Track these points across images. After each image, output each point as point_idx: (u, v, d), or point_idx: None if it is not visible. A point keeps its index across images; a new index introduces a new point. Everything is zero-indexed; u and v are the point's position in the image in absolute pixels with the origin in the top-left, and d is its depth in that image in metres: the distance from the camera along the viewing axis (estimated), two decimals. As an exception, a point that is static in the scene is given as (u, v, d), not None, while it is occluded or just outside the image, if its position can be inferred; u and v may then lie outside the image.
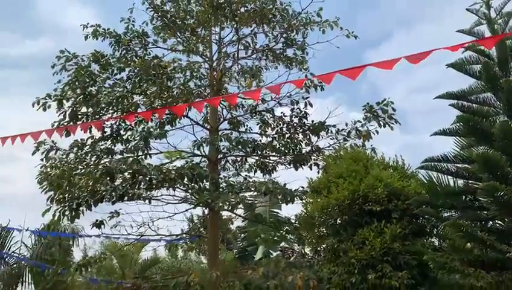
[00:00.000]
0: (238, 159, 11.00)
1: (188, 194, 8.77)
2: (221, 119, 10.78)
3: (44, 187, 8.27)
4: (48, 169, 8.69)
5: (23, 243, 13.83)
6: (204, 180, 8.29)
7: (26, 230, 12.51)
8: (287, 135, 10.58)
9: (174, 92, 9.79)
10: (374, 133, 9.61)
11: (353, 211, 7.14)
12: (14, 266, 13.18)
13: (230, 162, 11.00)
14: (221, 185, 9.13)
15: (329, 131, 10.13)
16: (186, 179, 7.93)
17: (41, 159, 8.61)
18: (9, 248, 13.59)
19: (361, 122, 9.69)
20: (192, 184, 8.22)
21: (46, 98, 8.78)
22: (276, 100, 10.53)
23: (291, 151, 10.48)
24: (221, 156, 10.32)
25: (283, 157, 10.69)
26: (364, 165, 7.76)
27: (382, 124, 9.46)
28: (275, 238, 11.96)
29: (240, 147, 9.78)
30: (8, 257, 13.37)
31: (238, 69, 11.20)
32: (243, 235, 15.56)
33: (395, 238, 6.73)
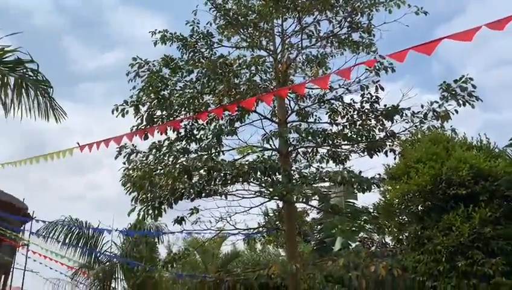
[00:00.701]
0: (309, 150, 10.89)
1: (261, 187, 8.85)
2: (289, 112, 10.73)
3: (128, 189, 8.77)
4: (130, 171, 9.21)
5: (114, 242, 14.84)
6: (277, 173, 8.29)
7: (115, 230, 13.37)
8: (358, 122, 10.26)
9: (242, 89, 9.94)
10: (452, 113, 9.01)
11: (436, 196, 6.75)
12: (107, 264, 14.15)
13: (301, 153, 10.94)
14: (294, 177, 9.10)
15: (404, 114, 9.67)
16: (258, 173, 8.00)
17: (124, 163, 9.15)
18: (102, 247, 14.64)
19: (438, 102, 9.12)
20: (265, 177, 8.27)
21: (124, 104, 9.33)
22: (345, 87, 10.28)
23: (364, 138, 10.15)
24: (292, 148, 10.28)
25: (356, 145, 10.40)
26: (445, 147, 7.29)
27: (461, 102, 8.82)
28: (353, 228, 11.69)
29: (309, 138, 9.66)
30: (101, 255, 14.40)
31: (303, 59, 11.09)
32: (319, 227, 15.41)
33: (485, 223, 6.25)
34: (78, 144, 8.07)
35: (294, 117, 10.85)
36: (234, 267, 15.43)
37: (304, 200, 8.80)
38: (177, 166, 7.97)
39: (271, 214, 12.80)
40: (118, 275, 14.63)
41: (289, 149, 10.15)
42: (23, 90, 5.83)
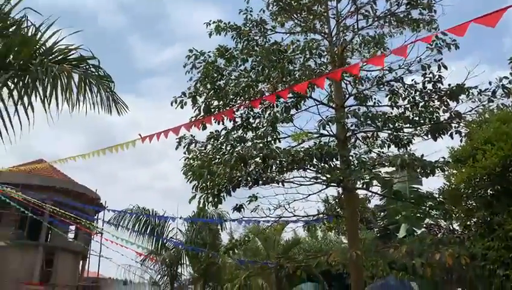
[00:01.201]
0: (369, 135, 10.56)
1: (318, 174, 8.74)
2: (347, 96, 10.46)
3: (189, 177, 9.05)
4: (191, 161, 9.49)
5: (179, 229, 15.46)
6: (334, 159, 8.14)
7: (180, 218, 13.90)
8: (420, 104, 9.78)
9: (296, 75, 9.83)
10: (524, 90, 8.33)
11: (506, 179, 6.31)
12: (173, 250, 14.77)
13: (360, 139, 10.64)
14: (352, 163, 8.89)
15: (470, 94, 9.07)
16: (315, 160, 7.90)
17: (184, 153, 9.43)
18: (168, 234, 15.30)
19: (508, 78, 8.46)
20: (322, 164, 8.15)
21: (182, 96, 9.59)
22: (405, 67, 9.83)
23: (427, 120, 9.65)
24: (350, 133, 10.04)
25: (419, 128, 9.92)
26: (516, 127, 6.79)
27: (535, 77, 8.12)
28: (418, 215, 11.25)
29: (369, 122, 9.36)
30: (167, 242, 15.06)
31: (359, 40, 10.73)
32: (382, 213, 15.03)
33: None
34: (140, 135, 8.42)
35: (352, 101, 10.56)
36: (295, 254, 15.50)
37: (364, 186, 8.57)
38: (234, 154, 8.07)
39: (331, 201, 12.67)
40: (184, 261, 15.26)
41: (347, 135, 9.91)
42: (86, 86, 6.12)
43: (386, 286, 9.67)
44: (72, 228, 32.42)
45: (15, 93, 5.57)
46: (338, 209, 11.54)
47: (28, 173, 30.96)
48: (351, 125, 9.83)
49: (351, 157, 9.25)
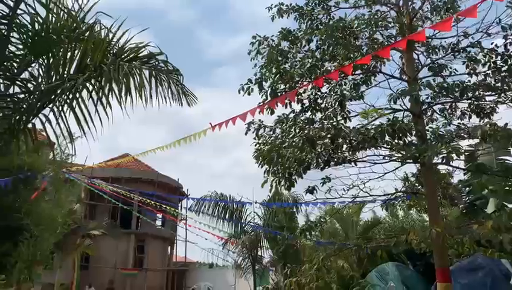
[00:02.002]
0: (447, 106, 9.95)
1: (392, 152, 8.42)
2: (420, 67, 9.91)
3: (259, 162, 9.18)
4: (261, 146, 9.61)
5: (256, 213, 15.84)
6: (408, 134, 7.78)
7: (255, 203, 14.25)
8: (503, 68, 9.00)
9: (364, 50, 9.51)
10: None
11: None
12: (252, 233, 15.17)
13: (437, 111, 10.06)
14: (429, 138, 8.45)
15: None
16: (387, 136, 7.61)
17: (254, 138, 9.57)
18: (246, 218, 15.75)
19: None
20: (395, 141, 7.84)
21: (248, 83, 9.70)
22: (483, 31, 9.07)
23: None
24: (426, 106, 9.52)
25: (502, 95, 9.16)
26: None
27: None
28: (506, 188, 10.44)
29: (445, 93, 8.81)
30: (245, 226, 15.51)
31: (429, 8, 10.07)
32: (467, 189, 14.16)
33: None
34: (210, 124, 8.70)
35: (426, 72, 9.99)
36: (375, 235, 15.17)
37: (444, 161, 8.12)
38: (301, 136, 8.03)
39: (411, 179, 12.18)
40: (263, 244, 15.63)
41: (422, 108, 9.42)
42: (157, 81, 6.40)
43: (474, 263, 9.15)
44: (159, 216, 34.47)
45: (94, 94, 6.01)
46: (419, 187, 11.08)
47: (116, 167, 33.39)
48: (426, 98, 9.34)
49: (427, 132, 8.80)
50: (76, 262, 27.37)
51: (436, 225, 7.72)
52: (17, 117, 5.18)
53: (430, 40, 9.81)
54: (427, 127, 9.14)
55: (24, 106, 5.36)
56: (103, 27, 5.96)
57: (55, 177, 8.68)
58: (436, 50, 9.87)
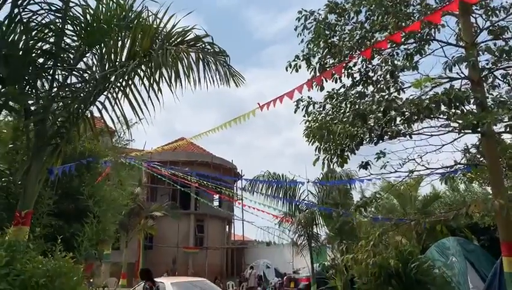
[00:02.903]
0: (510, 72, 9.29)
1: (448, 121, 8.02)
2: (478, 31, 9.29)
3: (310, 140, 9.10)
4: (312, 123, 9.51)
5: (309, 191, 15.83)
6: (466, 103, 7.36)
7: (308, 182, 14.24)
8: None
9: (416, 17, 9.07)
10: None
11: None
12: (306, 211, 15.20)
13: (499, 77, 9.43)
14: (489, 105, 7.97)
15: None
16: (443, 106, 7.25)
17: (303, 116, 9.48)
18: (300, 196, 15.80)
19: None
20: (452, 110, 7.46)
21: (296, 59, 9.58)
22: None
23: None
24: (486, 72, 8.95)
25: None
26: None
27: None
28: None
29: (507, 57, 8.23)
30: (300, 204, 15.56)
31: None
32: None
33: None
34: (258, 104, 8.72)
35: (486, 36, 9.35)
36: (435, 209, 14.67)
37: (508, 129, 7.63)
38: (352, 111, 7.85)
39: (472, 150, 11.60)
40: (318, 221, 15.63)
41: (482, 74, 8.87)
42: (204, 63, 6.49)
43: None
44: (216, 196, 35.37)
45: (145, 80, 6.21)
46: (481, 159, 10.54)
47: (173, 151, 34.43)
48: (486, 64, 8.77)
49: (487, 100, 8.30)
50: (141, 242, 28.87)
51: (500, 196, 7.33)
52: (76, 106, 5.49)
53: (489, 1, 9.16)
54: (487, 95, 8.62)
55: (81, 94, 5.65)
56: (150, 13, 6.12)
57: (115, 162, 9.13)
58: (496, 12, 9.21)
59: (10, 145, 7.16)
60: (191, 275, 23.02)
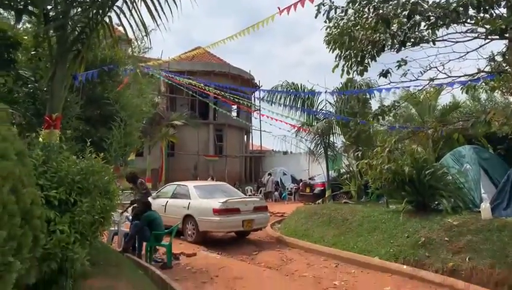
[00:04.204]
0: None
1: (476, 27, 7.70)
2: None
3: (331, 47, 8.92)
4: (333, 29, 9.22)
5: (327, 101, 15.83)
6: (496, 6, 7.00)
7: (326, 91, 14.17)
8: None
9: None
10: None
11: None
12: (324, 121, 15.34)
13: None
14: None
15: None
16: (471, 10, 6.91)
17: (324, 21, 9.17)
18: (318, 106, 15.86)
19: None
20: (481, 14, 7.12)
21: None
22: None
23: None
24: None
25: None
26: None
27: None
28: None
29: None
30: (317, 114, 15.67)
31: None
32: None
33: None
34: (278, 8, 8.46)
35: None
36: (453, 119, 14.63)
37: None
38: (375, 16, 7.55)
39: (498, 58, 11.22)
40: (335, 131, 15.84)
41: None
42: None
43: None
44: (234, 107, 35.69)
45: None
46: (506, 67, 10.24)
47: (190, 61, 34.14)
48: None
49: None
50: (164, 149, 29.99)
51: (521, 104, 7.27)
52: (94, 11, 5.45)
53: None
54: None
55: (99, -1, 5.59)
56: None
57: (135, 70, 9.21)
58: None
59: (32, 53, 7.26)
60: (212, 180, 24.13)
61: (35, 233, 3.40)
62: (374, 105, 15.59)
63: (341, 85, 14.98)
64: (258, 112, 29.90)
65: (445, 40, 8.44)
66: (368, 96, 14.63)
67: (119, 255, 7.55)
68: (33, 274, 3.49)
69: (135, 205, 9.95)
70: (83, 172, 4.26)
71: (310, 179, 23.77)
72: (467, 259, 7.44)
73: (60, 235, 3.73)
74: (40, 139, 4.93)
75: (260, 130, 36.13)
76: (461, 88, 9.80)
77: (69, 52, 5.69)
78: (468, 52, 8.98)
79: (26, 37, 7.14)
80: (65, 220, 3.84)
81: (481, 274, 7.08)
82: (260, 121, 32.79)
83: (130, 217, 9.91)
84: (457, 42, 8.52)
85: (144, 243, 9.31)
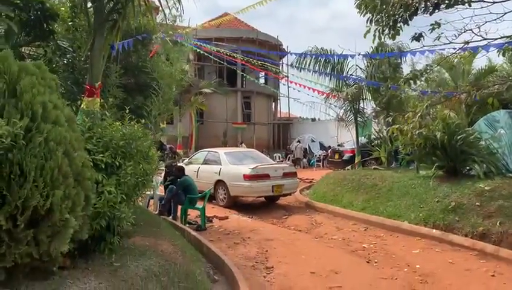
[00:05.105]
0: None
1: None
2: None
3: (362, 11, 8.78)
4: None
5: (358, 66, 15.62)
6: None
7: (358, 55, 13.94)
8: None
9: None
10: None
11: None
12: (354, 86, 15.19)
13: None
14: None
15: None
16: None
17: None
18: (348, 72, 15.68)
19: None
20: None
21: None
22: None
23: None
24: None
25: None
26: None
27: None
28: None
29: None
30: (347, 79, 15.51)
31: None
32: None
33: None
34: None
35: None
36: (488, 83, 14.24)
37: None
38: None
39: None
40: (366, 96, 15.69)
41: None
42: None
43: None
44: (262, 74, 35.57)
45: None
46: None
47: (217, 28, 33.99)
48: None
49: None
50: (193, 117, 30.44)
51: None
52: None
53: None
54: None
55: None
56: None
57: (166, 39, 9.36)
58: None
59: (70, 24, 7.50)
60: (242, 146, 24.47)
61: (86, 193, 3.70)
62: (406, 70, 15.24)
63: (372, 49, 14.72)
64: (286, 78, 29.78)
65: (482, 0, 8.18)
66: (400, 60, 14.35)
67: (157, 217, 7.96)
68: (85, 231, 3.80)
69: (168, 170, 10.34)
70: (126, 138, 4.51)
71: (338, 145, 23.76)
72: (497, 224, 7.47)
73: (107, 195, 4.02)
74: (84, 107, 5.21)
75: (288, 97, 36.01)
76: (498, 51, 9.52)
77: (106, 22, 5.87)
78: (505, 13, 8.69)
79: (63, 9, 7.36)
80: (112, 182, 4.12)
81: (511, 238, 7.12)
82: (288, 88, 32.66)
83: (162, 181, 10.33)
84: (494, 3, 8.27)
85: (179, 207, 9.74)
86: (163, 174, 10.59)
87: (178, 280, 4.41)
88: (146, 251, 4.65)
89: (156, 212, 9.79)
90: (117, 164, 4.32)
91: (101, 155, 4.20)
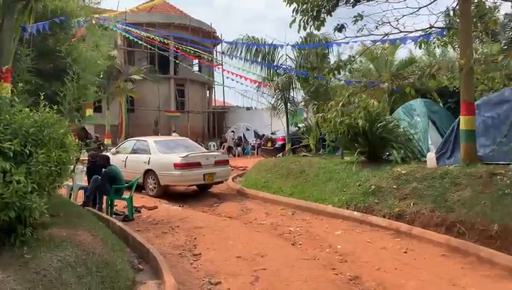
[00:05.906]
0: None
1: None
2: None
3: (288, 1, 8.95)
4: (290, -18, 9.21)
5: (287, 56, 15.94)
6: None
7: (287, 45, 14.23)
8: None
9: None
10: None
11: None
12: (284, 76, 15.51)
13: None
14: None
15: None
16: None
17: (283, -26, 9.14)
18: (278, 61, 15.96)
19: None
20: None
21: None
22: None
23: None
24: None
25: None
26: None
27: None
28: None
29: None
30: (278, 69, 15.79)
31: None
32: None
33: None
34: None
35: None
36: (410, 73, 15.15)
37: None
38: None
39: (450, 14, 11.62)
40: (295, 85, 16.08)
41: None
42: None
43: (501, 97, 9.25)
44: (195, 61, 35.12)
45: None
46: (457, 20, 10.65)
47: (148, 12, 32.93)
48: None
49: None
50: (123, 105, 29.37)
51: (466, 58, 7.67)
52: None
53: None
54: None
55: None
56: None
57: (89, 23, 8.93)
58: None
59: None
60: (173, 135, 24.08)
61: (-9, 183, 3.48)
62: (333, 60, 15.84)
63: (301, 40, 15.08)
64: (220, 66, 29.67)
65: (399, -5, 8.68)
66: (327, 51, 14.84)
67: (80, 208, 7.66)
68: (-9, 223, 3.59)
69: (92, 159, 9.96)
70: (37, 124, 4.28)
71: (272, 133, 24.19)
72: (411, 204, 8.02)
73: (16, 185, 3.81)
74: (-9, 93, 4.85)
75: (223, 86, 35.94)
76: (414, 43, 10.16)
77: (16, 2, 5.50)
78: (420, 8, 9.30)
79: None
80: (21, 171, 3.89)
81: (423, 217, 7.68)
82: (222, 76, 32.61)
83: (85, 169, 9.96)
84: (410, -3, 8.78)
85: (104, 197, 9.43)
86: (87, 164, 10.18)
87: (96, 269, 4.30)
88: (62, 242, 4.47)
89: (80, 204, 9.42)
90: (27, 152, 4.09)
91: (9, 143, 3.95)
